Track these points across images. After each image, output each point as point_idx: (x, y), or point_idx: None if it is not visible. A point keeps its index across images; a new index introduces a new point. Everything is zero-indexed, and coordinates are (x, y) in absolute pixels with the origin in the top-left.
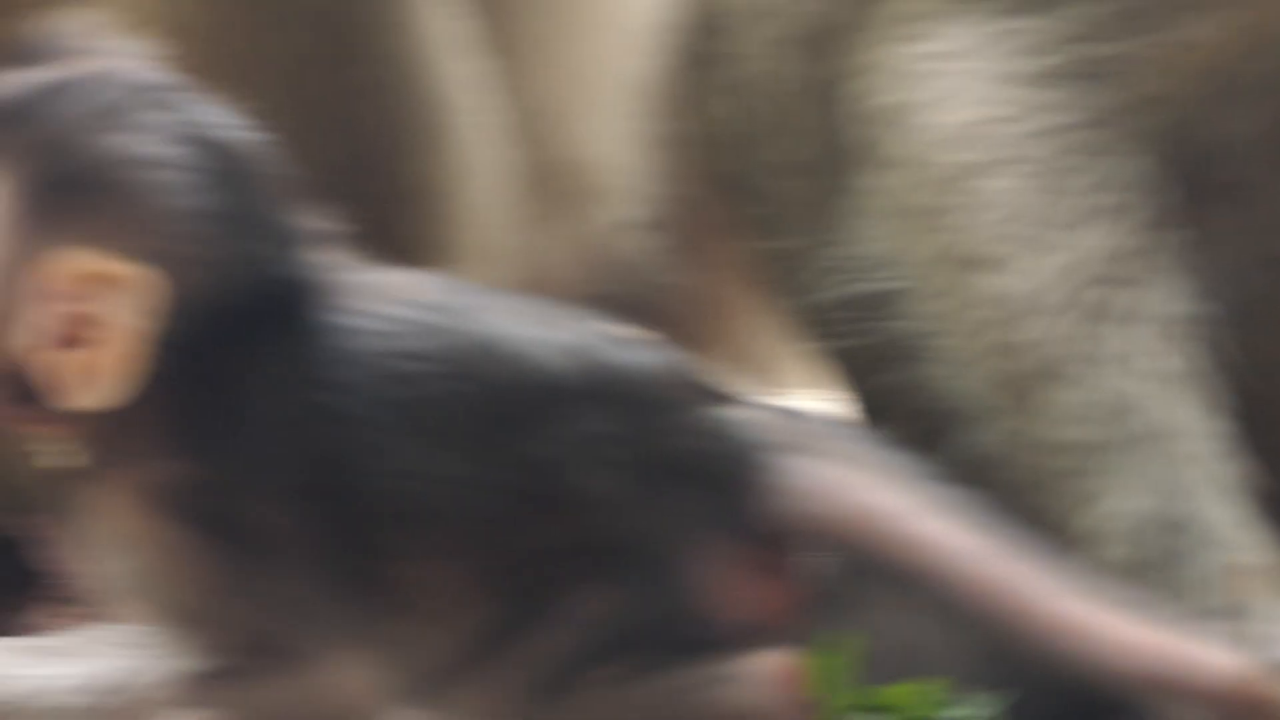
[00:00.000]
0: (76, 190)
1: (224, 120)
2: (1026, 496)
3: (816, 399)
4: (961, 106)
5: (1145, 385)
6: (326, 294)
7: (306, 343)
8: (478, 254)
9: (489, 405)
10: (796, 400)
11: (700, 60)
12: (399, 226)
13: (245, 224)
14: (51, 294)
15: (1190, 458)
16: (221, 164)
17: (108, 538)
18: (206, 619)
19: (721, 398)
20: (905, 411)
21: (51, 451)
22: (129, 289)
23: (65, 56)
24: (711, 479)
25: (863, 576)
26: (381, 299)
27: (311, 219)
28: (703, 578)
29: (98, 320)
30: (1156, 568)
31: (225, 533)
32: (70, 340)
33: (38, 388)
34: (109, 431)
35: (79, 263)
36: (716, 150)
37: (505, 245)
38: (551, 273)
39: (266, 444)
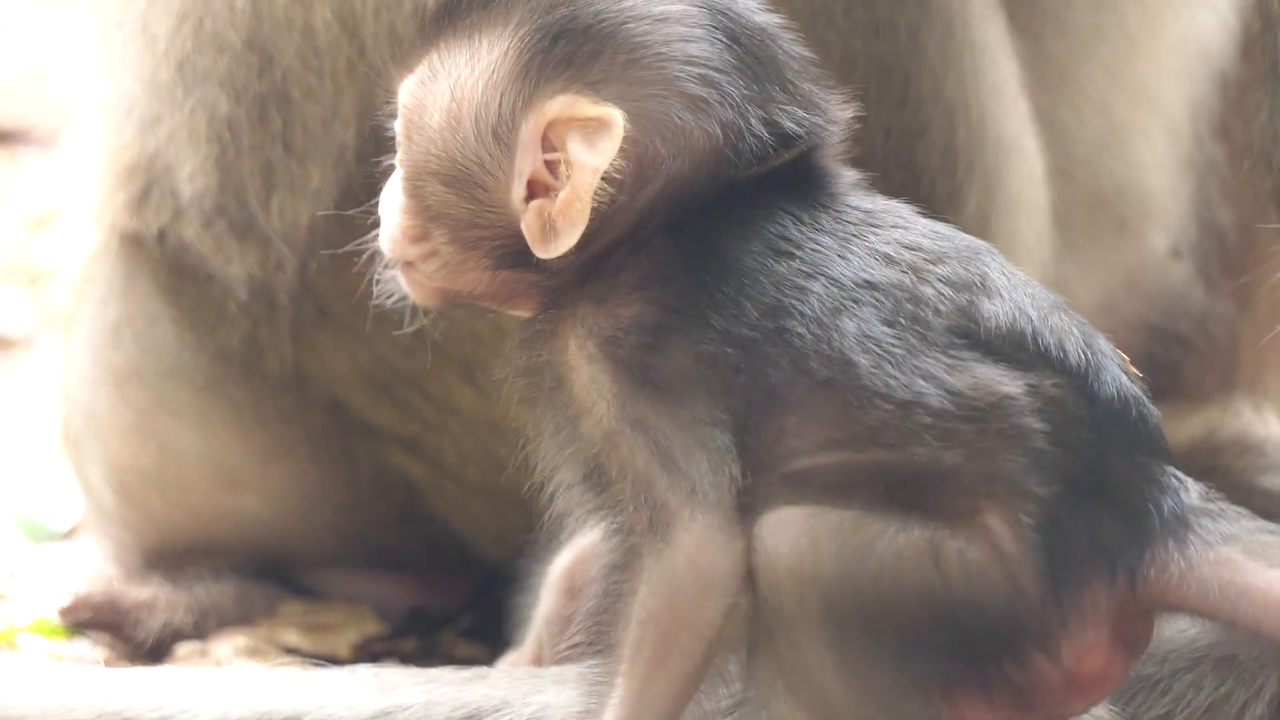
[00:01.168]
0: (569, 38)
1: (756, 9)
2: None
3: None
4: None
5: None
6: (816, 190)
7: (780, 222)
8: None
9: (947, 338)
10: None
11: (1272, 79)
12: None
13: (742, 96)
14: (535, 141)
15: None
16: (733, 37)
17: (547, 387)
18: (605, 467)
19: (1166, 454)
20: None
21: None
22: (601, 131)
23: None
24: (1117, 521)
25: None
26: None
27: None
28: (1064, 613)
29: (571, 163)
30: None
31: (652, 377)
32: (546, 188)
33: (526, 243)
34: (573, 278)
35: (564, 105)
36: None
37: (1046, 277)
38: (1090, 301)
39: (715, 301)
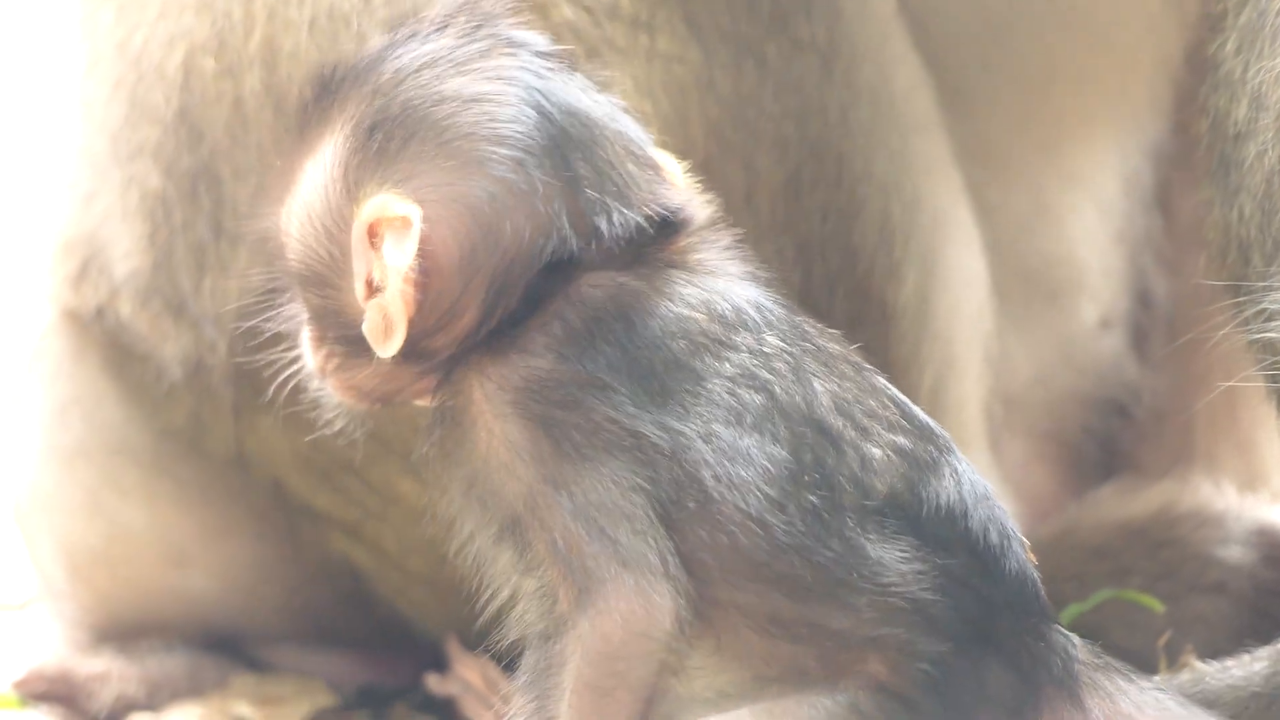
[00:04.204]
0: (382, 130)
1: (583, 90)
2: None
3: None
4: None
5: None
6: (664, 257)
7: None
8: (947, 364)
9: (879, 506)
10: None
11: (1226, 163)
12: (871, 340)
13: (555, 181)
14: (363, 241)
15: None
16: (550, 123)
17: (458, 448)
18: (524, 526)
19: (1055, 619)
20: None
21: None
22: (403, 230)
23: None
24: (1009, 674)
25: None
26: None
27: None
28: None
29: (389, 264)
30: None
31: (569, 435)
32: (375, 287)
33: (369, 339)
34: (454, 365)
35: (376, 206)
36: (1227, 251)
37: (976, 355)
38: (1027, 372)
39: (631, 371)
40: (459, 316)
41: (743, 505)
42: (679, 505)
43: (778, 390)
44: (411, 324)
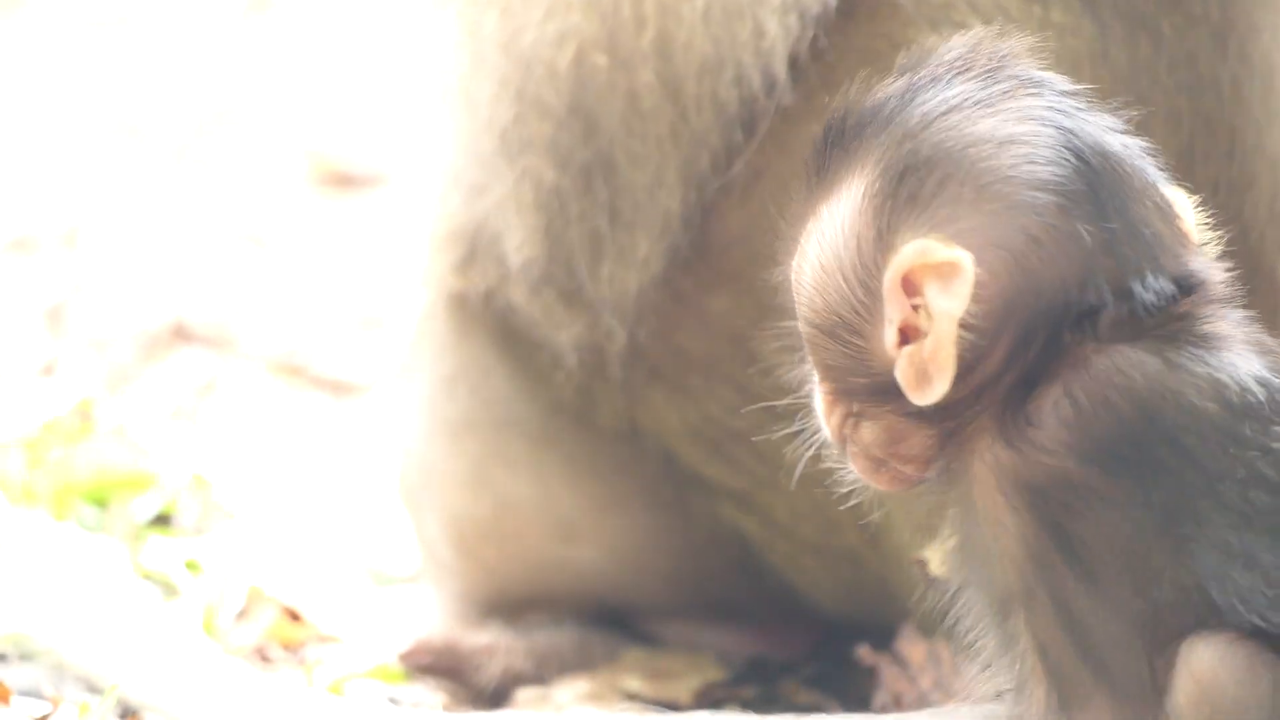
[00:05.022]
0: (914, 174)
1: (1110, 131)
2: None
3: None
4: None
5: None
6: (1176, 325)
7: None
8: None
9: None
10: None
11: None
12: (1261, 312)
13: (1096, 231)
14: (897, 288)
15: None
16: (1087, 168)
17: (964, 525)
18: (1014, 610)
19: None
20: None
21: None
22: (954, 277)
23: (945, 67)
24: None
25: None
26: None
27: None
28: None
29: (930, 311)
30: None
31: (1076, 547)
32: (917, 333)
33: (903, 386)
34: (963, 423)
35: (917, 252)
36: None
37: None
38: None
39: (1156, 468)
40: (984, 363)
41: (1244, 609)
42: (1181, 611)
43: None
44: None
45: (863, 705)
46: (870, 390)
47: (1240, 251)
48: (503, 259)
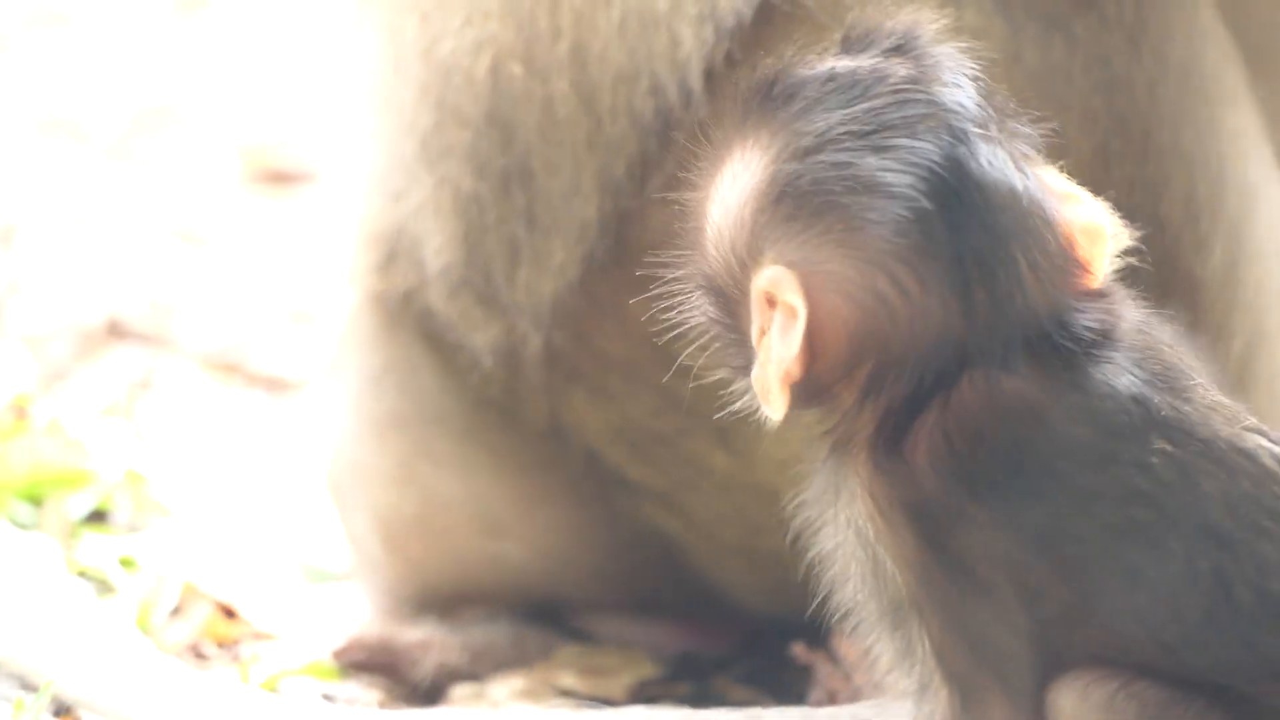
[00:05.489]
0: (792, 200)
1: (1010, 165)
2: None
3: None
4: None
5: None
6: (1055, 356)
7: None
8: (1257, 336)
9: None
10: None
11: None
12: (1177, 311)
13: (956, 303)
14: (760, 299)
15: None
16: (966, 228)
17: (850, 534)
18: (907, 611)
19: None
20: None
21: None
22: (790, 322)
23: (880, 50)
24: None
25: None
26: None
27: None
28: None
29: (773, 347)
30: None
31: (957, 559)
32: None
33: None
34: (840, 423)
35: (770, 280)
36: None
37: None
38: None
39: (1031, 494)
40: (837, 396)
41: (1134, 624)
42: (1071, 628)
43: (1167, 503)
44: (793, 391)
45: (797, 702)
46: (739, 358)
47: (1155, 251)
48: (422, 262)
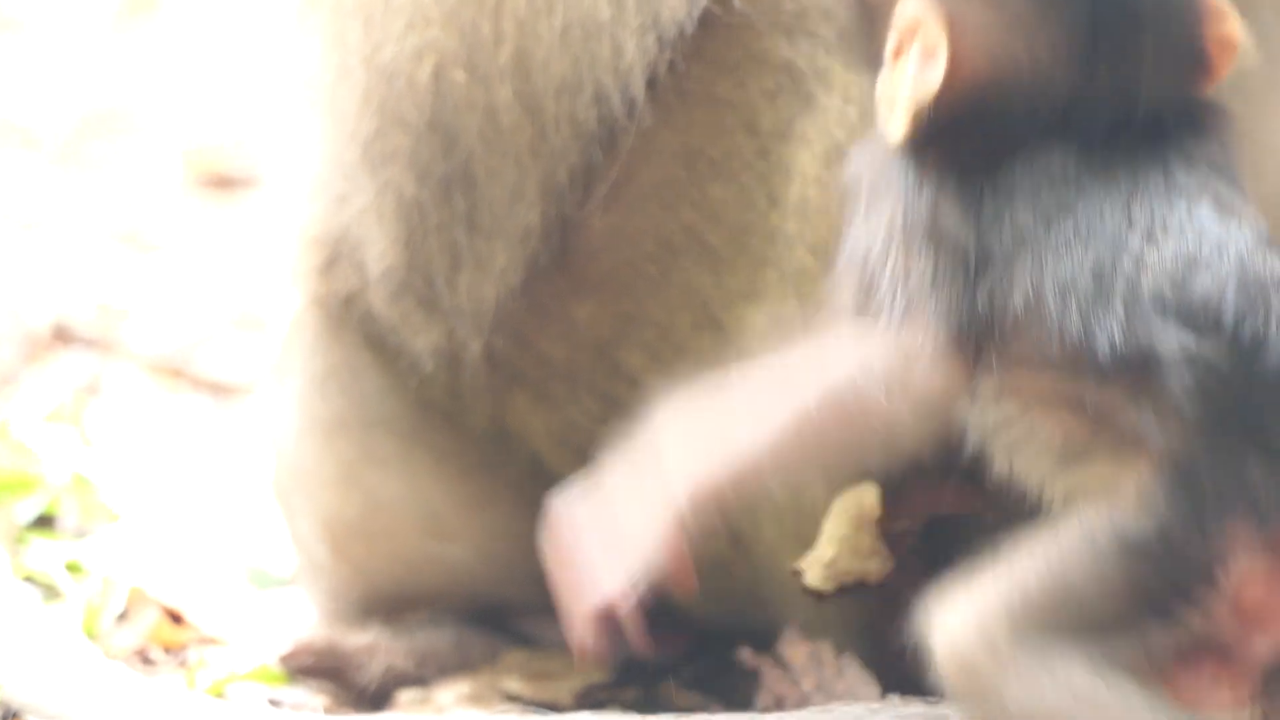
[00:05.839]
0: None
1: None
2: None
3: None
4: None
5: None
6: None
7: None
8: None
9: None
10: None
11: None
12: None
13: (1105, 45)
14: (899, 21)
15: None
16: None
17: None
18: None
19: None
20: None
21: None
22: (934, 56)
23: None
24: (1263, 468)
25: None
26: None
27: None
28: (1210, 545)
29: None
30: None
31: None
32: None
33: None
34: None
35: (914, 9)
36: None
37: None
38: None
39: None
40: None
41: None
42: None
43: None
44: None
45: (744, 707)
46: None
47: None
48: (364, 266)
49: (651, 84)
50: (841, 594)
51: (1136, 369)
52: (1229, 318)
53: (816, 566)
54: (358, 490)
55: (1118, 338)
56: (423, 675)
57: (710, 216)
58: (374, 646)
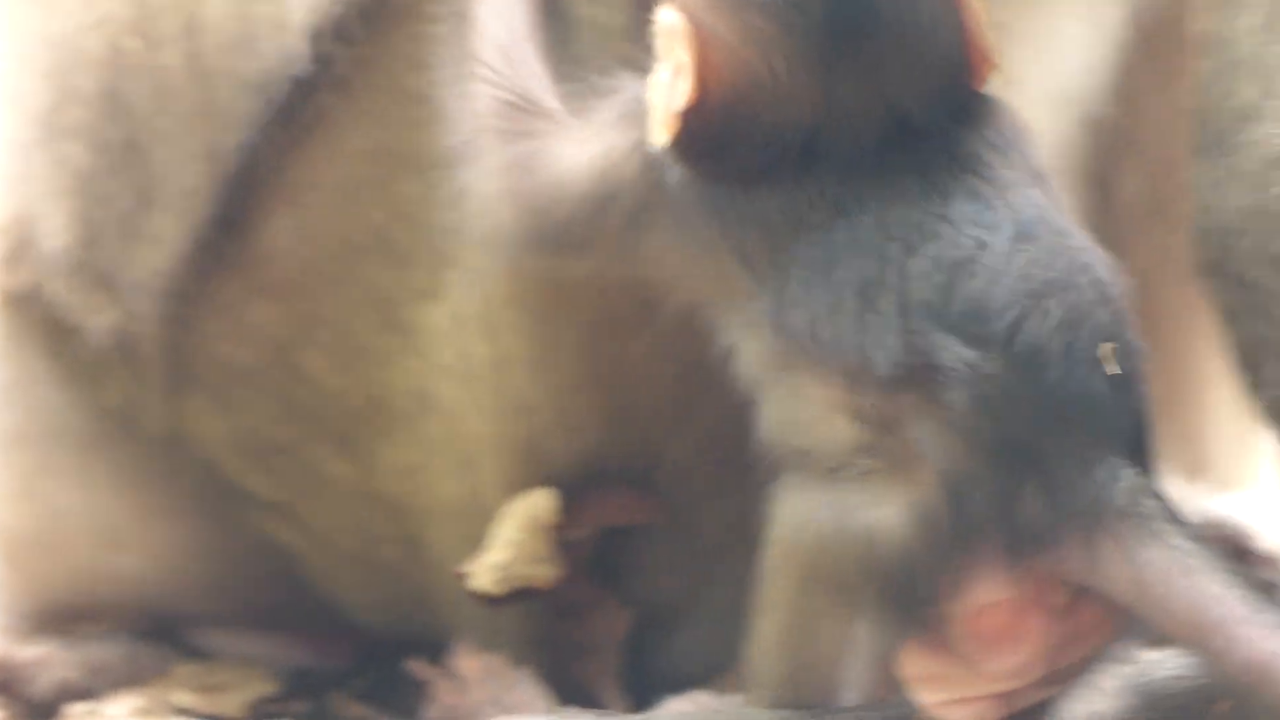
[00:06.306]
0: None
1: None
2: None
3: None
4: None
5: None
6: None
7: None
8: None
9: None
10: (1250, 494)
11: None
12: None
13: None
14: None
15: None
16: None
17: None
18: None
19: (1117, 448)
20: None
21: None
22: (688, 51)
23: None
24: (1033, 496)
25: None
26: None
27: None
28: (957, 565)
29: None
30: None
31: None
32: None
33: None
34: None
35: (671, 23)
36: (1208, 236)
37: None
38: None
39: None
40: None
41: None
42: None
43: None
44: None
45: (415, 718)
46: None
47: None
48: (43, 249)
49: (316, 39)
50: (509, 600)
51: (918, 381)
52: (999, 325)
53: (485, 570)
54: (34, 503)
55: (896, 350)
56: (93, 688)
57: (398, 215)
58: (45, 659)
